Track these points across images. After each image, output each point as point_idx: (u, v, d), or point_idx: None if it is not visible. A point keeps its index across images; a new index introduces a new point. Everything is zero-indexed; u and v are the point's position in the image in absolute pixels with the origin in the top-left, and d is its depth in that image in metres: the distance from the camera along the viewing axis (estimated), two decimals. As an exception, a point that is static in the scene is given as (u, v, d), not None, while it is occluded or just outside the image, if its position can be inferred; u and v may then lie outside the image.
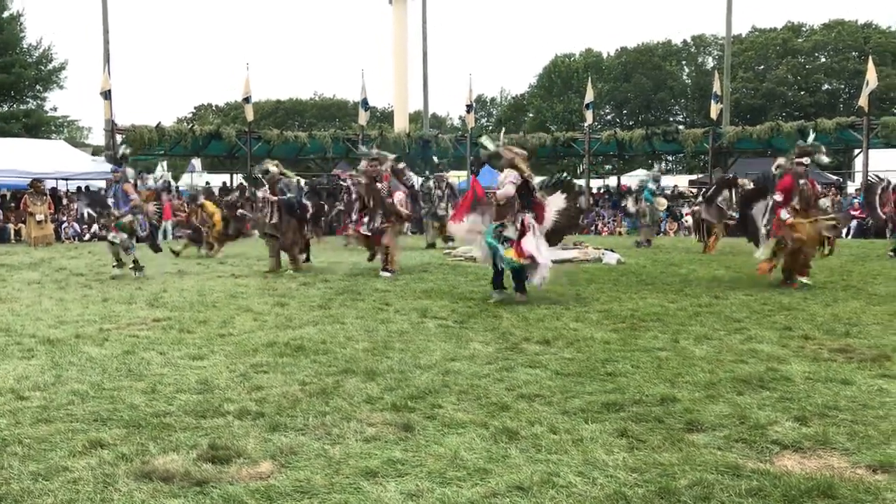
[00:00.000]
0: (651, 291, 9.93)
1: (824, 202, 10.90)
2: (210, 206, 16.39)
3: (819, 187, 10.73)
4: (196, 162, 39.65)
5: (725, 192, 16.34)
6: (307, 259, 13.35)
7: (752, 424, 4.22)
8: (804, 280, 10.08)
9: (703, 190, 17.90)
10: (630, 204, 19.79)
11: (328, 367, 5.58)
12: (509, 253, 8.71)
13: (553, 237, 9.36)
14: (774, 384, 5.08)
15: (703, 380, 5.20)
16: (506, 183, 8.73)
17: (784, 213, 9.87)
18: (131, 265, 11.83)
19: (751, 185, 16.55)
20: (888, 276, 11.47)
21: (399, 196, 12.47)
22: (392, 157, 12.68)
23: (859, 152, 28.83)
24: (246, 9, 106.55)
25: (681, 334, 6.90)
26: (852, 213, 25.89)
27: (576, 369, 5.53)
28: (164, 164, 18.91)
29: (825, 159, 10.47)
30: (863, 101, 26.23)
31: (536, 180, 9.19)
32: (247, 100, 29.11)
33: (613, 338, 6.74)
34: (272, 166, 12.59)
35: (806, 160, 10.05)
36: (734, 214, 16.76)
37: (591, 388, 5.03)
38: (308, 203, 12.51)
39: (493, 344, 6.48)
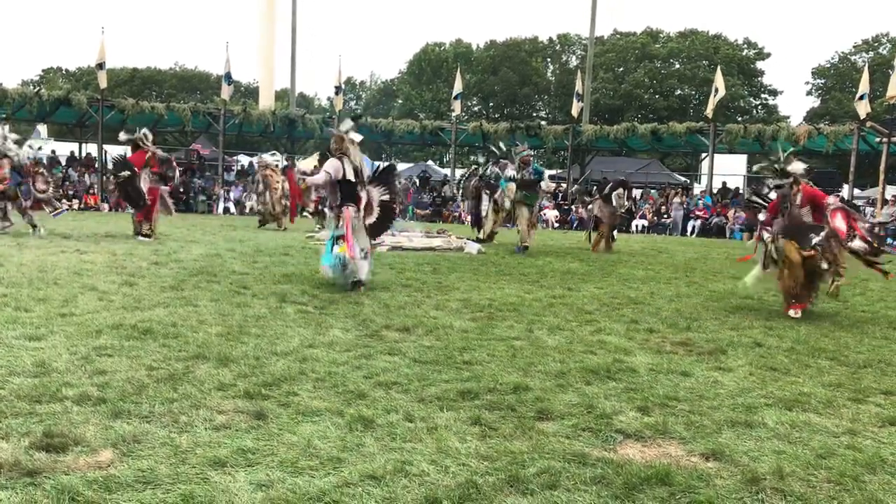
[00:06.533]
0: (509, 282, 10.18)
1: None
2: None
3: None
4: (42, 128, 37.14)
5: (620, 191, 16.46)
6: None
7: (599, 414, 4.40)
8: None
9: (599, 188, 17.86)
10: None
11: (178, 352, 5.36)
12: (342, 249, 8.55)
13: (378, 230, 9.19)
14: (620, 375, 5.32)
15: (554, 369, 5.38)
16: (321, 171, 8.78)
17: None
18: None
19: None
20: (726, 275, 12.29)
21: None
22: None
23: (706, 156, 30.71)
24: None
25: (535, 324, 7.11)
26: (696, 213, 27.62)
27: (434, 357, 5.58)
28: (7, 128, 17.58)
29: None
30: (710, 108, 27.92)
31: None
32: (100, 66, 27.44)
33: (471, 326, 6.86)
34: None
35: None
36: (623, 212, 17.27)
37: (447, 375, 5.09)
38: None
39: (354, 331, 6.43)
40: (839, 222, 8.11)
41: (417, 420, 4.14)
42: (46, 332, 5.77)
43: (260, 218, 19.62)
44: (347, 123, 9.11)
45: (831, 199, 8.36)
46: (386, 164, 9.65)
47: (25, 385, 4.40)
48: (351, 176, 8.65)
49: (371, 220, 8.93)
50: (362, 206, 8.78)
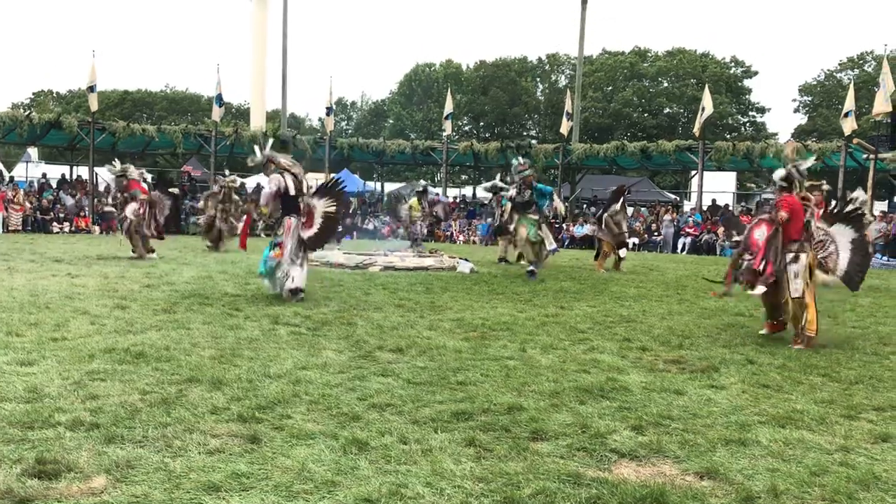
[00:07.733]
0: (502, 301, 10.18)
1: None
2: None
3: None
4: (32, 151, 37.12)
5: (614, 206, 16.07)
6: None
7: (593, 433, 4.40)
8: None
9: (599, 210, 17.49)
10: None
11: (171, 376, 5.34)
12: (277, 255, 9.27)
13: (318, 241, 9.53)
14: (614, 394, 5.33)
15: (548, 389, 5.38)
16: (266, 187, 9.37)
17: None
18: None
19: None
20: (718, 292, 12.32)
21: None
22: None
23: (695, 174, 30.86)
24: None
25: (528, 344, 7.11)
26: (687, 230, 27.73)
27: (427, 378, 5.58)
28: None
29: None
30: (698, 126, 28.12)
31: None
32: (91, 88, 27.47)
33: (465, 346, 6.86)
34: None
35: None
36: (625, 227, 16.76)
37: (441, 397, 5.09)
38: None
39: (347, 352, 6.42)
40: (760, 234, 7.52)
41: (412, 442, 4.13)
42: (38, 356, 5.74)
43: (209, 240, 19.29)
44: (270, 144, 9.81)
45: (784, 214, 7.33)
46: (334, 178, 9.96)
47: (17, 411, 4.38)
48: (292, 191, 9.24)
49: (311, 232, 9.34)
50: (303, 217, 9.34)
